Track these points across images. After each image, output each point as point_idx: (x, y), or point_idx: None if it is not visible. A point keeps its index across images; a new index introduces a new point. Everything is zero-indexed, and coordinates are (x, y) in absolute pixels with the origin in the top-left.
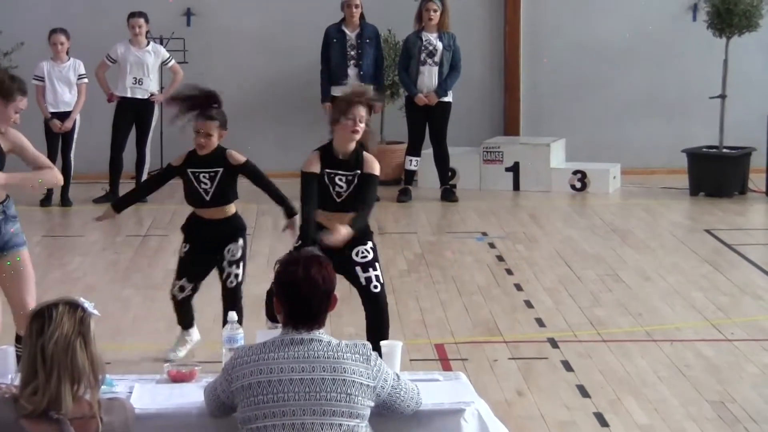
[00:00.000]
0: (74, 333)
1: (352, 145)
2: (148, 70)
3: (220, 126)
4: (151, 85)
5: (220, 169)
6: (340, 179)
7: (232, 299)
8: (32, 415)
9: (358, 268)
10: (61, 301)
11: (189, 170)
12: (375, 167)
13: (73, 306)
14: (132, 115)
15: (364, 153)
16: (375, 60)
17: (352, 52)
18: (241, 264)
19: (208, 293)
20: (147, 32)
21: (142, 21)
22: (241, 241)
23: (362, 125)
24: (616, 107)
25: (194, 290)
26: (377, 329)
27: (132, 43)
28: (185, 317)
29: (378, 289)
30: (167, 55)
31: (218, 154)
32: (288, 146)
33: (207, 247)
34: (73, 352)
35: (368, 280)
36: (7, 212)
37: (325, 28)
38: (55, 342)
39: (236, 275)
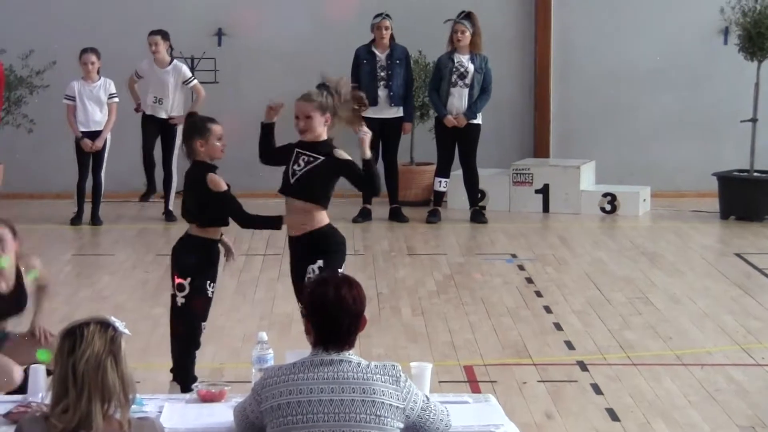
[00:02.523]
0: (105, 352)
1: (314, 137)
2: (168, 90)
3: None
4: (172, 105)
5: None
6: (303, 159)
7: None
8: None
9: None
10: (93, 320)
11: None
12: (346, 156)
13: (105, 325)
14: (156, 129)
15: (336, 150)
16: (405, 81)
17: (382, 73)
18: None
19: (238, 312)
20: (170, 49)
21: (158, 39)
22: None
23: (305, 122)
24: (646, 130)
25: None
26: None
27: (154, 61)
28: None
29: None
30: (188, 74)
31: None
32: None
33: None
34: (104, 372)
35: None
36: None
37: (356, 50)
38: (86, 361)
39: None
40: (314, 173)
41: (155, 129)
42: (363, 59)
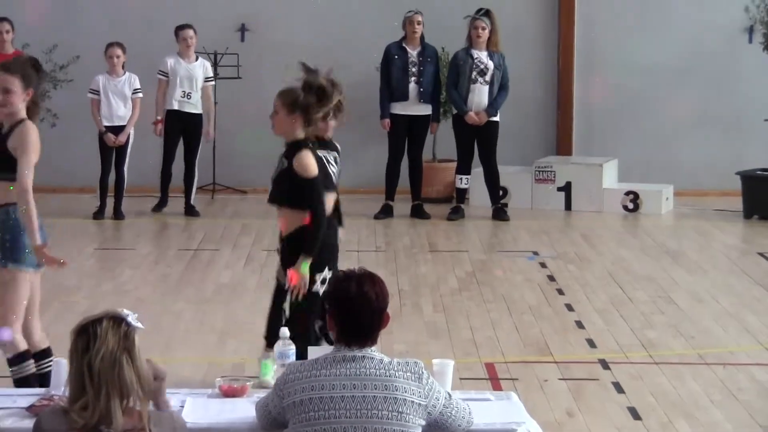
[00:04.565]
0: (120, 349)
1: (283, 135)
2: (197, 84)
3: None
4: (198, 99)
5: None
6: (278, 161)
7: None
8: (84, 429)
9: None
10: (105, 316)
11: None
12: (301, 165)
13: (117, 320)
14: (180, 127)
15: (300, 153)
16: (434, 78)
17: (413, 69)
18: None
19: (260, 307)
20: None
21: (192, 33)
22: None
23: (273, 118)
24: (669, 128)
25: None
26: None
27: (181, 56)
28: None
29: None
30: (211, 73)
31: None
32: (342, 162)
33: None
34: (120, 368)
35: None
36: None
37: (386, 46)
38: (101, 359)
39: None
40: (278, 179)
41: (179, 127)
42: (394, 55)
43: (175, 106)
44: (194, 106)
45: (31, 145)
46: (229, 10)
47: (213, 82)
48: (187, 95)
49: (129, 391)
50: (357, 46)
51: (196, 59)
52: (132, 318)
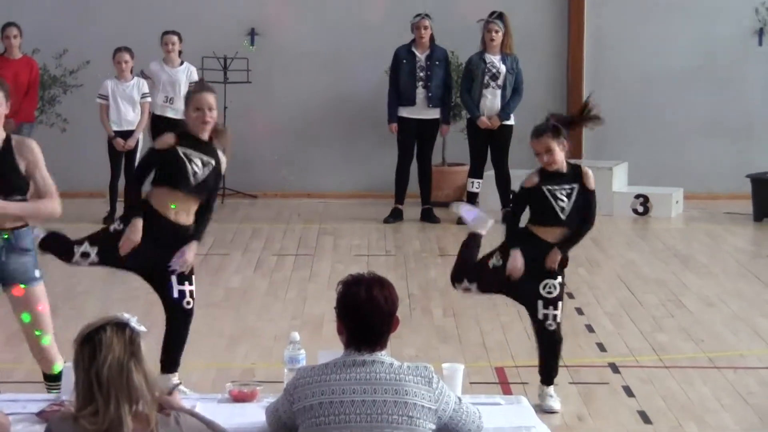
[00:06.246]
0: (126, 355)
1: (205, 135)
2: (179, 90)
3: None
4: (182, 105)
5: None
6: (197, 160)
7: None
8: None
9: (174, 277)
10: (108, 323)
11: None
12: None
13: (121, 326)
14: (166, 130)
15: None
16: (443, 82)
17: (421, 74)
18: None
19: (269, 312)
20: (180, 52)
21: (175, 38)
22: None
23: (212, 114)
24: (679, 131)
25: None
26: (173, 346)
27: (165, 61)
28: None
29: (189, 306)
30: (196, 77)
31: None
32: (351, 166)
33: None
34: (129, 374)
35: (182, 293)
36: (15, 243)
37: (396, 49)
38: (108, 367)
39: (188, 293)
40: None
41: (164, 130)
42: (403, 59)
43: (158, 111)
44: (176, 112)
45: None
46: (238, 15)
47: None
48: (170, 100)
49: (138, 395)
50: (366, 52)
51: (181, 64)
52: (134, 322)
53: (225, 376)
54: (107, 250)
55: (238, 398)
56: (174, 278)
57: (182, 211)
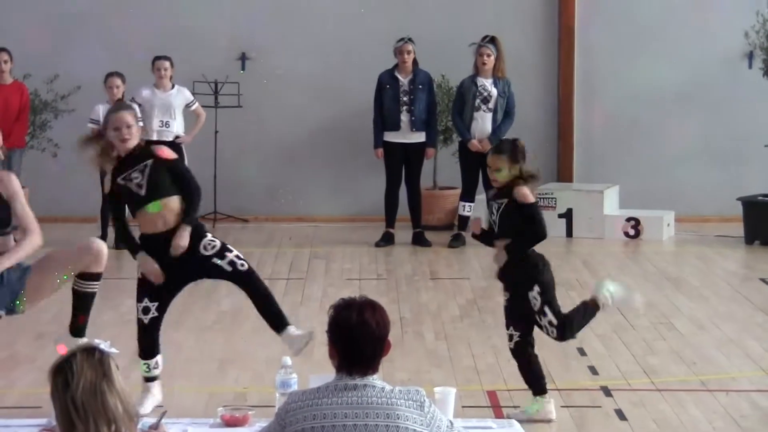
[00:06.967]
0: (98, 377)
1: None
2: (174, 112)
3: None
4: (177, 127)
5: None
6: (134, 175)
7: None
8: None
9: (215, 259)
10: (77, 350)
11: None
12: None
13: (90, 351)
14: None
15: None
16: (428, 105)
17: (405, 98)
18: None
19: (261, 336)
20: (171, 76)
21: (167, 64)
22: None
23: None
24: (670, 154)
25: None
26: (263, 304)
27: (157, 86)
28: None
29: (245, 267)
30: (191, 97)
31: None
32: (340, 191)
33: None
34: (103, 396)
35: (232, 263)
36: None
37: (379, 75)
38: (82, 391)
39: (235, 258)
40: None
41: None
42: (386, 84)
43: (154, 137)
44: (171, 134)
45: None
46: (229, 40)
47: (196, 104)
48: (165, 124)
49: (115, 416)
50: (356, 76)
51: (173, 87)
52: (105, 345)
53: (217, 400)
54: (153, 293)
55: (230, 423)
56: (216, 260)
57: (165, 217)
